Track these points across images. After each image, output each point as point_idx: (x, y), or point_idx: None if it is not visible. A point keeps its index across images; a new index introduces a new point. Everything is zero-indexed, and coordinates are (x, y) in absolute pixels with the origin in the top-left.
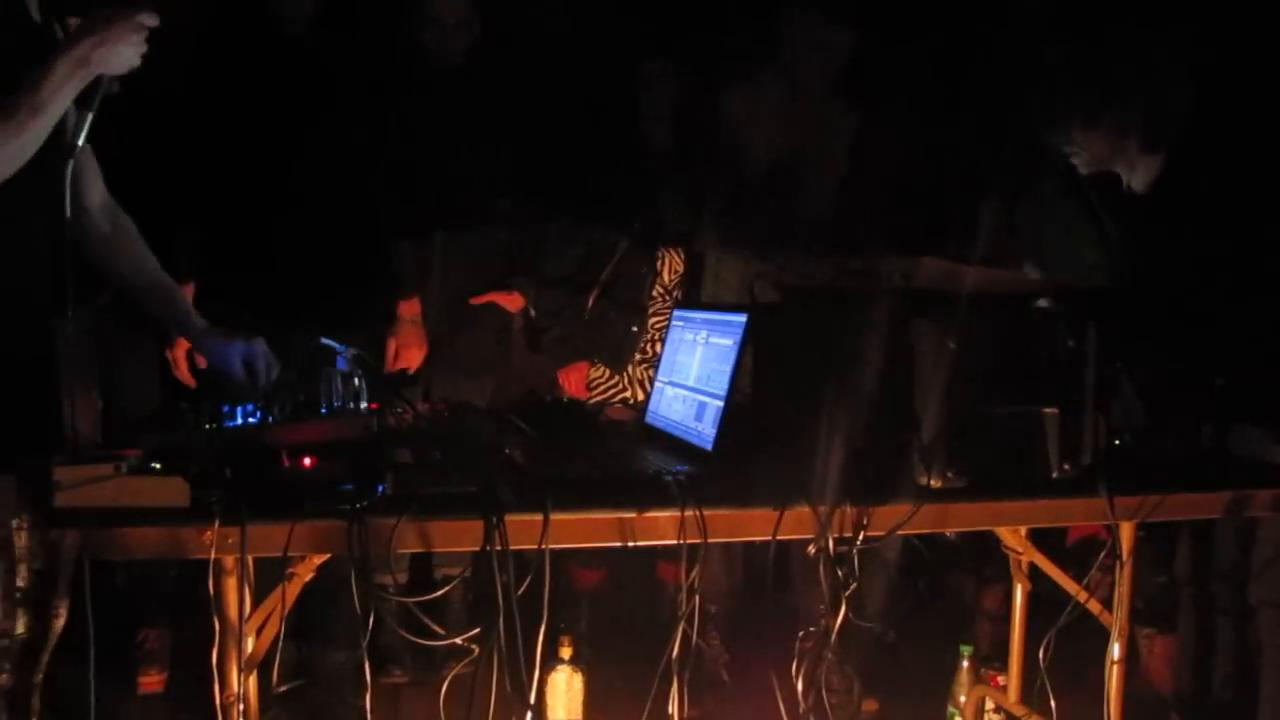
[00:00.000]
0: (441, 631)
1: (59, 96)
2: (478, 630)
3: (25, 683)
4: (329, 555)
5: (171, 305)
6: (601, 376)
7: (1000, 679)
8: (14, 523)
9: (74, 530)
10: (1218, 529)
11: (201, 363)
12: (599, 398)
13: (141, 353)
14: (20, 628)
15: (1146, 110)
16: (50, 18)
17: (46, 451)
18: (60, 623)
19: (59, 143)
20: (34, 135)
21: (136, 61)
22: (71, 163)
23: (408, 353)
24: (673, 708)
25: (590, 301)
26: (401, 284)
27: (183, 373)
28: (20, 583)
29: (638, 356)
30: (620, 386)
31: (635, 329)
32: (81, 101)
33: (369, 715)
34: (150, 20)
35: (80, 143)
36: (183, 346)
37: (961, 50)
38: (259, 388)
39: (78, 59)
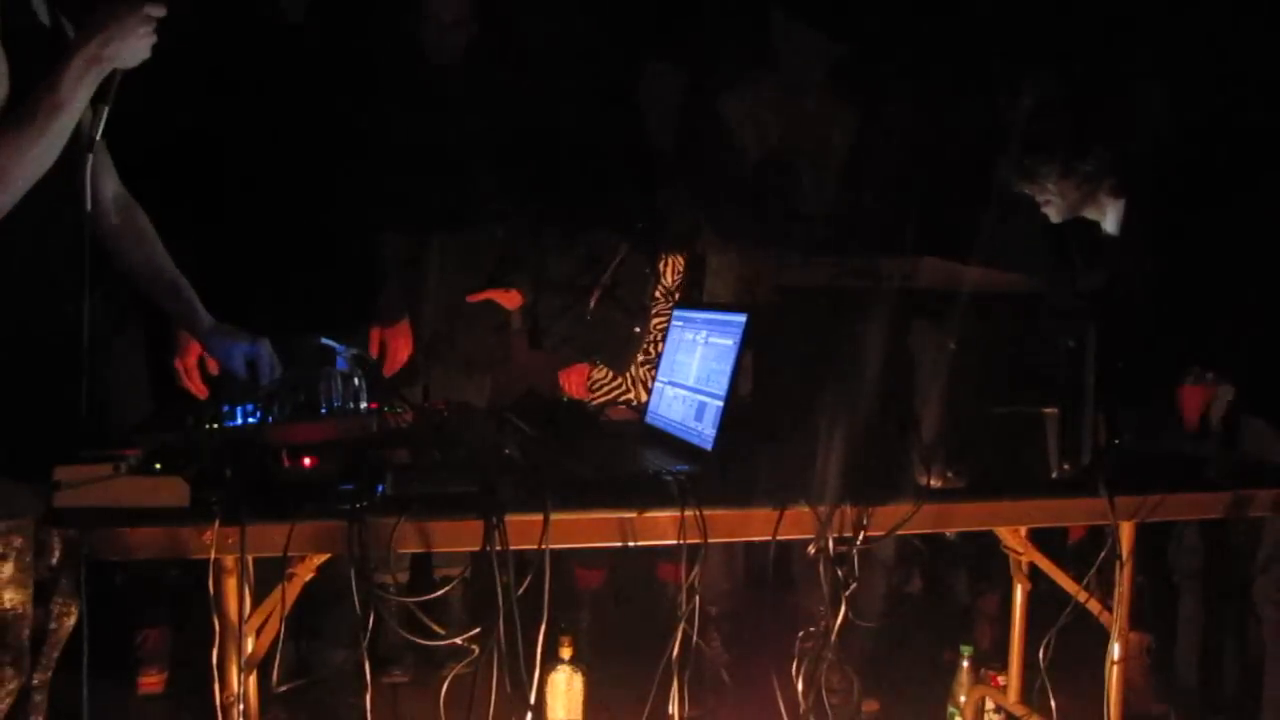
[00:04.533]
0: (441, 631)
1: (76, 95)
2: (478, 630)
3: (36, 681)
4: (329, 555)
5: (179, 300)
6: (604, 377)
7: (1000, 679)
8: (33, 521)
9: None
10: (1222, 527)
11: (214, 369)
12: (602, 399)
13: (131, 355)
14: (30, 627)
15: (1117, 158)
16: (59, 18)
17: (74, 446)
18: (71, 621)
19: (76, 138)
20: (57, 135)
21: (147, 54)
22: (91, 157)
23: (395, 343)
24: (673, 708)
25: (592, 303)
26: (394, 278)
27: (195, 384)
28: (35, 580)
29: (640, 357)
30: (624, 388)
31: (638, 329)
32: (98, 96)
33: (369, 715)
34: (157, 11)
35: (98, 136)
36: (194, 355)
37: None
38: (260, 388)
39: (91, 56)
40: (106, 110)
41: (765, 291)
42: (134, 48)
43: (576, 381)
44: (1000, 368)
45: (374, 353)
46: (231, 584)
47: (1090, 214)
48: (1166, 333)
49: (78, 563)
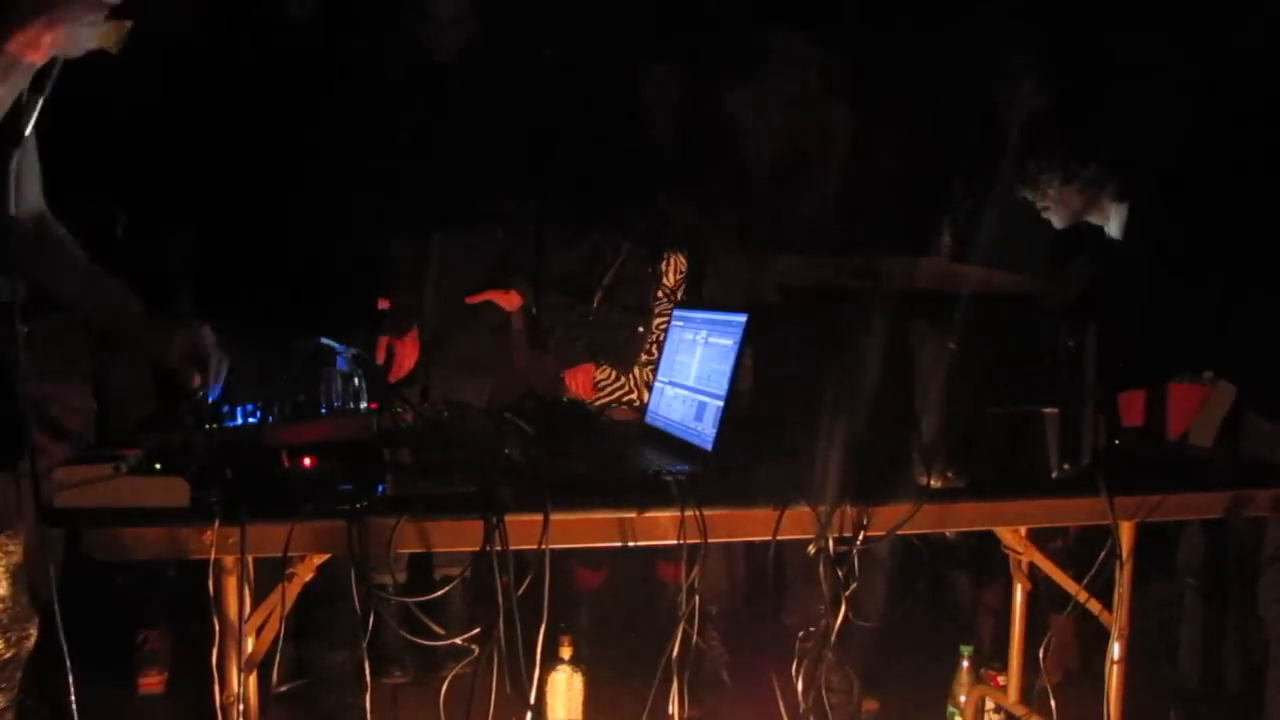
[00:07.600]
0: (441, 631)
1: (8, 84)
2: (478, 630)
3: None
4: (329, 555)
5: (107, 296)
6: (608, 378)
7: (1000, 679)
8: None
9: (40, 545)
10: (1225, 527)
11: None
12: (605, 399)
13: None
14: None
15: (1120, 163)
16: None
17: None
18: (30, 644)
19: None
20: None
21: (94, 43)
22: (17, 153)
23: (402, 349)
24: (673, 708)
25: (595, 303)
26: (399, 282)
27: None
28: None
29: (643, 357)
30: (626, 389)
31: (640, 329)
32: (33, 85)
33: (369, 715)
34: None
35: (28, 131)
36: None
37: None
38: (207, 384)
39: (26, 43)
40: (41, 102)
41: (765, 291)
42: (81, 35)
43: (583, 381)
44: (1000, 368)
45: (380, 360)
46: (231, 584)
47: (1094, 219)
48: (1168, 334)
49: (30, 582)
